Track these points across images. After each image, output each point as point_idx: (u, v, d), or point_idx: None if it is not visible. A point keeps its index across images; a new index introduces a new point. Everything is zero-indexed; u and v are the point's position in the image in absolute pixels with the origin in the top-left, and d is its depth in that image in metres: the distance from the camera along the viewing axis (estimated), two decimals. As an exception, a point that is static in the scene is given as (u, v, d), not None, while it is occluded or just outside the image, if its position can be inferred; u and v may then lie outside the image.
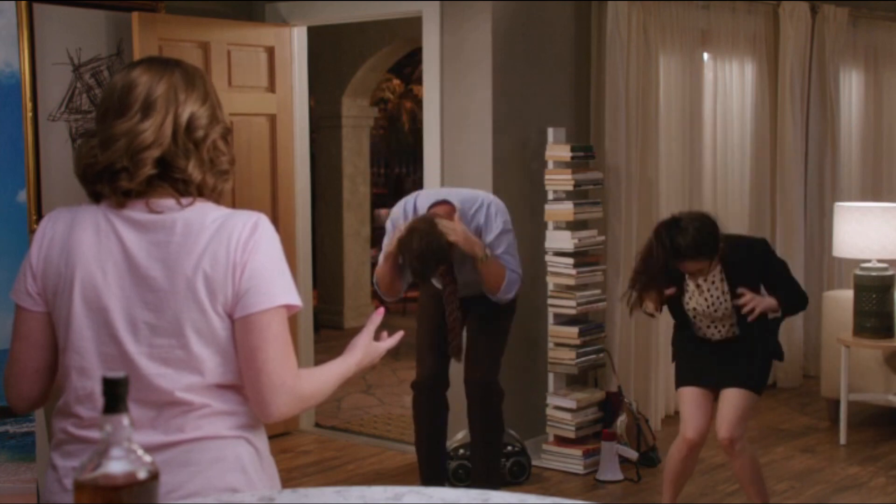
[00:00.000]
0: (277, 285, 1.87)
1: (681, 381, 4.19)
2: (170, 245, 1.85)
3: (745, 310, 3.97)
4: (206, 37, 5.35)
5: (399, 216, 4.32)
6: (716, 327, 4.13)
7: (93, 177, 1.88)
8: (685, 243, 3.84)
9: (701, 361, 4.15)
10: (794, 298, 4.12)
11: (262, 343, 1.84)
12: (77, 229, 1.89)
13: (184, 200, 1.87)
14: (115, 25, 5.08)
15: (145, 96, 1.87)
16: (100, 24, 5.05)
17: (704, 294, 4.06)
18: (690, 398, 4.13)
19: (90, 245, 1.87)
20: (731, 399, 4.06)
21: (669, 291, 4.03)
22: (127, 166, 1.84)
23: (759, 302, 3.98)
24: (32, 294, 1.91)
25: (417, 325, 4.64)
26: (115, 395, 1.31)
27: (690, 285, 4.08)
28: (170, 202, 1.87)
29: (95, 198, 1.91)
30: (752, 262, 4.05)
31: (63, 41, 4.91)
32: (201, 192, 1.90)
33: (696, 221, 3.89)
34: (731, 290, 4.03)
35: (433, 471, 4.61)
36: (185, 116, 1.88)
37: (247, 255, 1.85)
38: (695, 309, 4.11)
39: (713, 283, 4.04)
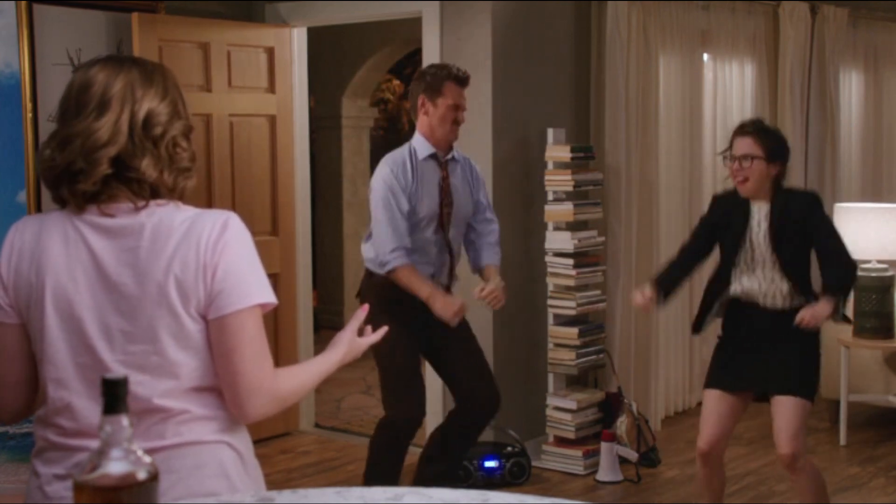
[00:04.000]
0: (250, 285, 1.84)
1: (707, 380, 3.92)
2: (139, 250, 1.81)
3: (803, 324, 3.65)
4: (205, 37, 5.35)
5: (396, 179, 4.07)
6: (759, 276, 3.79)
7: (53, 180, 1.84)
8: (750, 120, 3.95)
9: (737, 362, 3.85)
10: (840, 272, 3.75)
11: (238, 344, 1.82)
12: (44, 238, 1.85)
13: (140, 203, 1.82)
14: (114, 26, 5.08)
15: (101, 94, 1.83)
16: (100, 24, 5.05)
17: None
18: (710, 404, 3.87)
19: (59, 254, 1.83)
20: (787, 410, 3.73)
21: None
22: (83, 167, 1.80)
23: (814, 313, 3.66)
24: (4, 307, 1.87)
25: (388, 361, 4.19)
26: (115, 395, 1.31)
27: None
28: (126, 205, 1.82)
29: (61, 202, 1.87)
30: (799, 211, 3.77)
31: (63, 41, 4.90)
32: (158, 191, 1.85)
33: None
34: (774, 235, 3.75)
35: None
36: (142, 113, 1.83)
37: (217, 255, 1.82)
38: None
39: (756, 218, 3.81)
